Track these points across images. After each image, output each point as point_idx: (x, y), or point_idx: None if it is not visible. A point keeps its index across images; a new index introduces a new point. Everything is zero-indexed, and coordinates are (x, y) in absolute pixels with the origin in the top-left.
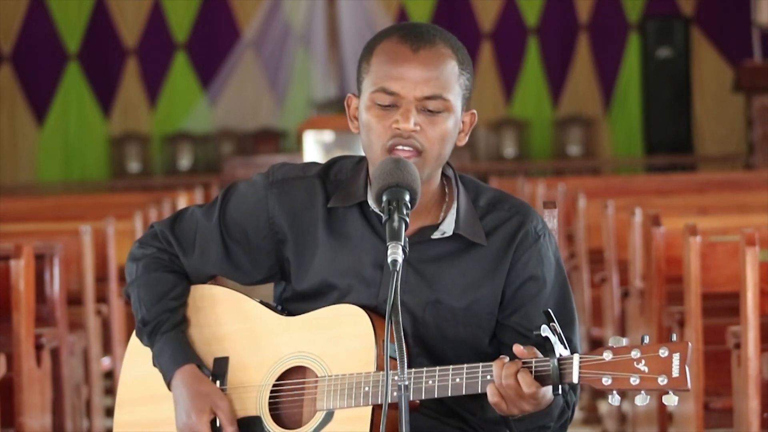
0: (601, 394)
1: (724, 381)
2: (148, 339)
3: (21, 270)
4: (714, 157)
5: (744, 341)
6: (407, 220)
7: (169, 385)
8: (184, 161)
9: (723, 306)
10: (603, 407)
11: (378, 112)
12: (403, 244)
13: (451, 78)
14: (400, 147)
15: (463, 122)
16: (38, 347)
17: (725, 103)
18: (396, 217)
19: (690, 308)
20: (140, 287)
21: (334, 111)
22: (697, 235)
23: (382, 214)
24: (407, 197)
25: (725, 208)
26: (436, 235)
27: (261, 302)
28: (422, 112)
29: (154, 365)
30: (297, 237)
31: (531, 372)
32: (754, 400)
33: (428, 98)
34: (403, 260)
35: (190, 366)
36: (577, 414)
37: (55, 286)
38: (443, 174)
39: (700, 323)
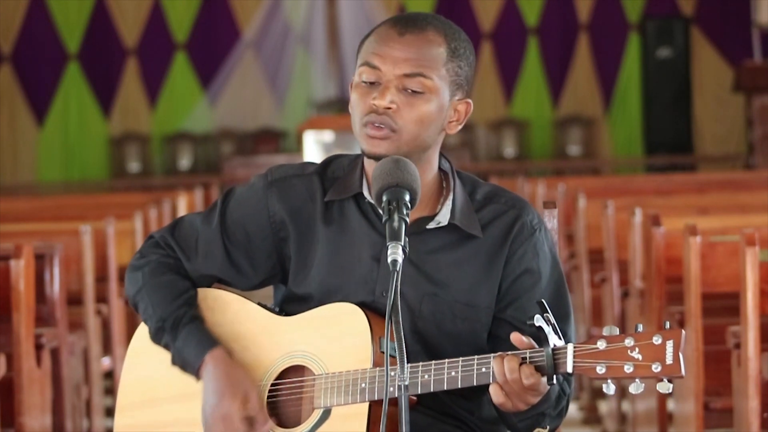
0: (601, 393)
1: (724, 381)
2: (170, 334)
3: (21, 270)
4: (714, 157)
5: (744, 341)
6: (407, 219)
7: (197, 372)
8: (184, 161)
9: (723, 306)
10: (603, 407)
11: (362, 90)
12: (403, 244)
13: (435, 61)
14: (375, 123)
15: (456, 110)
16: (38, 347)
17: (725, 103)
18: (396, 217)
19: (690, 308)
20: (151, 291)
21: (334, 111)
22: (697, 235)
23: (380, 210)
24: (407, 197)
25: (725, 208)
26: (431, 225)
27: (259, 304)
28: (402, 92)
29: (174, 363)
30: (299, 233)
31: (527, 363)
32: (754, 400)
33: (408, 76)
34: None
35: (219, 350)
36: (577, 414)
37: (55, 286)
38: (440, 168)
39: (700, 323)
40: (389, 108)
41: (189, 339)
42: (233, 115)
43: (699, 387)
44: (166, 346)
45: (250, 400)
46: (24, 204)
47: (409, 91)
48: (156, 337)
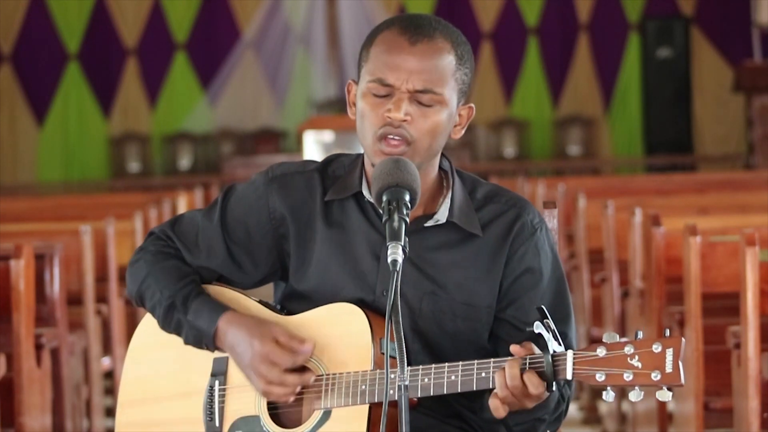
0: (602, 393)
1: (724, 381)
2: (182, 309)
3: (21, 270)
4: (714, 157)
5: (744, 341)
6: (407, 219)
7: (213, 339)
8: (184, 161)
9: (723, 306)
10: (603, 407)
11: (372, 100)
12: (403, 244)
13: (446, 72)
14: (390, 136)
15: (459, 115)
16: (38, 347)
17: (725, 103)
18: (396, 217)
19: (690, 308)
20: (157, 276)
21: (334, 111)
22: (697, 235)
23: (380, 210)
24: (407, 197)
25: (725, 208)
26: (429, 223)
27: (260, 302)
28: (414, 103)
29: (188, 341)
30: (298, 230)
31: (527, 369)
32: (754, 400)
33: (420, 92)
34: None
35: (229, 312)
36: (577, 414)
37: (55, 286)
38: (440, 167)
39: (700, 323)
40: (404, 120)
41: (200, 310)
42: (233, 115)
43: (699, 387)
44: (178, 324)
45: (279, 334)
46: (24, 204)
47: (422, 103)
48: (167, 317)
